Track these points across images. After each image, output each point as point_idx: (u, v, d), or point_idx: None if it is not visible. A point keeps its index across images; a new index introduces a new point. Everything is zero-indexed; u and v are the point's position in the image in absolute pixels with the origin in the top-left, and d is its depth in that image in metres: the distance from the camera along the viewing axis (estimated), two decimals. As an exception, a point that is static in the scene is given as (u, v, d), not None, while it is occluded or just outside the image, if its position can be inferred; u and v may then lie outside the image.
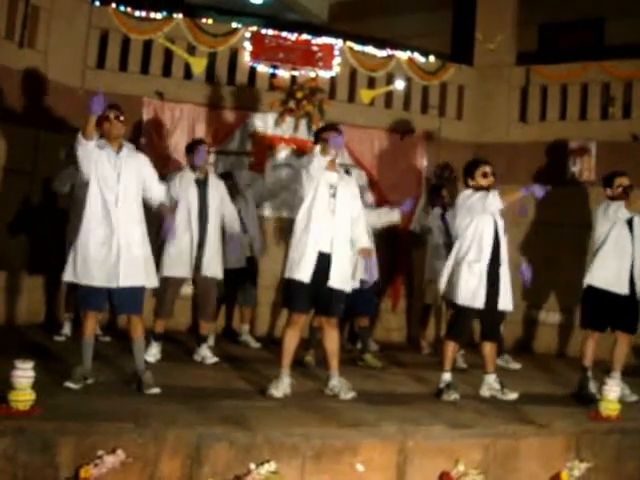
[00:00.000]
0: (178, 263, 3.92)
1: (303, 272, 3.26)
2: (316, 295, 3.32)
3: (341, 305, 3.42)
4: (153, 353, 3.96)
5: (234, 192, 4.90)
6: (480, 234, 3.56)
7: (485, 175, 3.62)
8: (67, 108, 5.28)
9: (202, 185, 4.05)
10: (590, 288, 3.83)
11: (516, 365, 4.59)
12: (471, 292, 3.54)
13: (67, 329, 4.52)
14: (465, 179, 3.71)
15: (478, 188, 3.62)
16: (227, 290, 4.81)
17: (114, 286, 3.10)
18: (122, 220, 3.10)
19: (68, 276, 3.16)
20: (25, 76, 5.02)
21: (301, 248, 3.28)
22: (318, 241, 3.27)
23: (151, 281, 3.25)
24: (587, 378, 3.82)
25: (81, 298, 3.21)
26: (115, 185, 3.10)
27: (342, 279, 3.34)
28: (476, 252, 3.55)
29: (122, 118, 3.18)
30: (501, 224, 3.64)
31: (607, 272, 3.77)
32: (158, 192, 3.26)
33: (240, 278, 4.90)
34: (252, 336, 5.05)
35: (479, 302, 3.56)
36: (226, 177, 4.87)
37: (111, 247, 3.08)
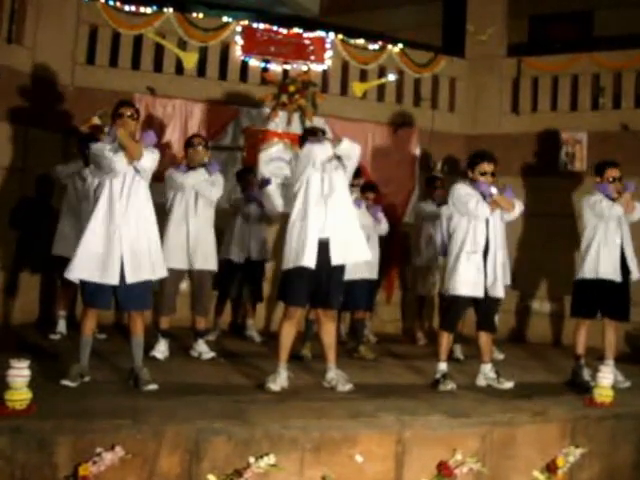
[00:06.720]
0: (175, 255, 3.92)
1: (309, 259, 3.23)
2: (315, 287, 3.32)
3: (339, 298, 3.43)
4: (161, 350, 3.94)
5: (247, 190, 4.91)
6: (474, 226, 3.59)
7: (484, 174, 3.60)
8: (57, 105, 5.23)
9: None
10: (583, 280, 3.87)
11: (500, 355, 4.64)
12: (471, 282, 3.57)
13: (62, 327, 4.50)
14: (467, 169, 3.70)
15: (474, 181, 3.62)
16: (229, 285, 4.82)
17: (115, 283, 3.06)
18: (127, 213, 3.07)
19: (70, 273, 3.05)
20: (14, 72, 4.95)
21: (302, 235, 3.25)
22: (317, 227, 3.25)
23: (158, 273, 3.20)
24: (580, 366, 3.87)
25: (87, 296, 3.15)
26: (121, 179, 3.07)
27: (344, 254, 3.29)
28: (472, 243, 3.58)
29: (136, 116, 3.18)
30: (496, 213, 3.63)
31: (601, 264, 3.81)
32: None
33: (244, 273, 4.88)
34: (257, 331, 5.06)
35: (479, 291, 3.59)
36: (244, 173, 4.97)
37: (113, 241, 3.04)
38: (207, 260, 4.04)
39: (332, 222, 3.27)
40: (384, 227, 4.83)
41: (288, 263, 3.31)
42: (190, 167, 4.06)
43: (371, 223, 4.66)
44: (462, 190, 3.64)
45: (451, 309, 3.69)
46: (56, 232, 4.39)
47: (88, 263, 3.05)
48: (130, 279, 3.07)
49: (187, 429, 2.55)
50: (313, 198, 3.27)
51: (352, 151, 3.36)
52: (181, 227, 3.96)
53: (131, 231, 3.08)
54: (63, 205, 4.44)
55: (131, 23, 5.53)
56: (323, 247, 3.28)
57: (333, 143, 3.34)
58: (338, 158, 3.33)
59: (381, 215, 4.83)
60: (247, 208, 4.84)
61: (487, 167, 3.61)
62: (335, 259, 3.29)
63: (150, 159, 3.14)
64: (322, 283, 3.32)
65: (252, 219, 4.88)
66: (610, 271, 3.81)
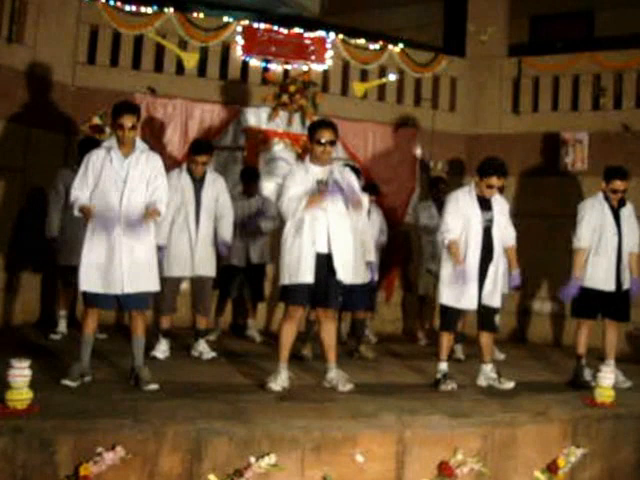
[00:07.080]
0: (177, 263, 3.94)
1: (306, 274, 3.24)
2: (314, 288, 3.31)
3: (339, 298, 3.41)
4: (162, 349, 3.95)
5: (252, 191, 4.90)
6: (466, 235, 3.54)
7: (490, 187, 3.56)
8: (58, 104, 5.24)
9: (198, 184, 4.06)
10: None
11: (501, 355, 4.63)
12: (456, 293, 3.55)
13: (62, 327, 4.50)
14: (476, 173, 3.65)
15: (480, 191, 3.59)
16: (230, 285, 4.82)
17: (118, 292, 3.10)
18: (126, 223, 3.07)
19: (81, 284, 3.10)
20: (14, 72, 4.95)
21: (297, 250, 3.26)
22: (315, 242, 3.25)
23: (154, 285, 3.21)
24: (581, 366, 3.87)
25: (90, 297, 3.16)
26: (120, 188, 3.08)
27: (349, 272, 3.33)
28: (462, 253, 3.53)
29: (137, 124, 3.14)
30: (499, 220, 3.60)
31: (594, 271, 3.79)
32: (155, 201, 3.13)
33: (245, 275, 4.88)
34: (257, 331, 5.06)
35: (463, 303, 3.57)
36: (250, 174, 4.95)
37: (114, 251, 3.07)
38: (208, 267, 4.06)
39: (332, 237, 3.26)
40: (383, 240, 4.97)
41: (284, 279, 3.30)
42: (192, 176, 4.04)
43: (375, 232, 4.68)
44: (460, 194, 3.62)
45: (446, 315, 3.67)
46: (57, 243, 4.38)
47: (91, 274, 3.09)
48: (128, 289, 3.10)
49: (188, 429, 2.55)
50: (310, 212, 3.25)
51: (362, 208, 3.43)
52: (183, 235, 3.97)
53: (130, 242, 3.09)
54: (65, 217, 4.40)
55: (132, 23, 5.53)
56: (321, 257, 3.27)
57: (352, 202, 3.28)
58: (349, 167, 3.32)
59: (381, 230, 4.89)
60: (241, 215, 4.77)
61: (496, 181, 3.55)
62: (340, 275, 3.28)
63: (165, 204, 3.17)
64: (321, 284, 3.31)
65: (249, 229, 4.85)
66: (600, 282, 3.79)
